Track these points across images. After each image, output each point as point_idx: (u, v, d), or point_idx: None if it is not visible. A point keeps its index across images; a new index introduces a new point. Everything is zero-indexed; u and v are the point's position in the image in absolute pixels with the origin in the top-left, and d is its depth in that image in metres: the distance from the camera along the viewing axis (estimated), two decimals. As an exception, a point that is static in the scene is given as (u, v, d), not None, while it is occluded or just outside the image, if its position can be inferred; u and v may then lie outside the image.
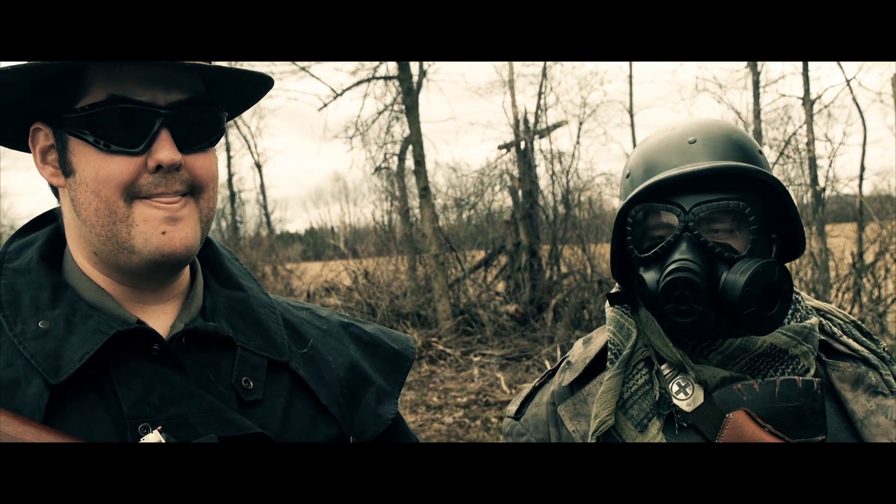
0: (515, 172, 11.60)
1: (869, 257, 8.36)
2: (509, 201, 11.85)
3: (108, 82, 0.89)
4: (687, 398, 1.18)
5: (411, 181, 12.16)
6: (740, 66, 10.24)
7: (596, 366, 1.28)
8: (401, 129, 12.01)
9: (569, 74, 15.44)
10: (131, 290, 0.97)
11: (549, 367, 1.39)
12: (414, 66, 11.17)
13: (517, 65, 11.95)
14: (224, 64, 0.98)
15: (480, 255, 12.25)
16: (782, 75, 12.00)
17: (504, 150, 12.01)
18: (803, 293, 1.29)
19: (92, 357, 0.88)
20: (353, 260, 12.92)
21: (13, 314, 0.91)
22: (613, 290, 1.32)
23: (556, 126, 11.77)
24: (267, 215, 18.27)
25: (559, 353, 8.23)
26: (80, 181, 0.91)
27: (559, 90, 22.83)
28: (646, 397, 1.19)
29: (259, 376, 1.00)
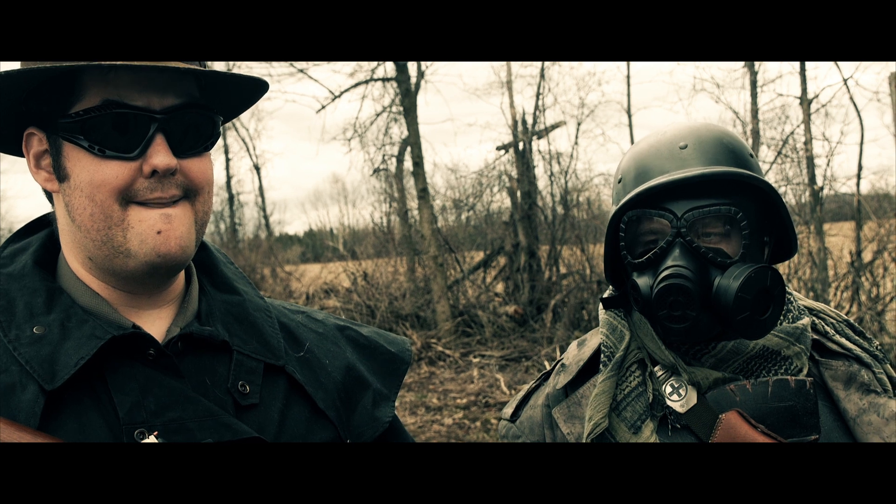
0: (514, 173, 11.60)
1: (867, 256, 8.36)
2: (508, 202, 11.85)
3: (103, 87, 0.89)
4: (680, 399, 1.18)
5: (410, 183, 12.17)
6: (738, 66, 10.25)
7: (590, 368, 1.29)
8: (399, 131, 12.02)
9: (567, 75, 15.49)
10: (126, 294, 0.97)
11: (548, 368, 1.40)
12: (412, 68, 11.17)
13: (515, 65, 11.96)
14: (220, 66, 0.98)
15: (479, 256, 12.25)
16: (780, 75, 12.06)
17: (502, 151, 12.02)
18: (795, 293, 1.29)
19: (87, 362, 0.88)
20: (352, 262, 12.91)
21: (7, 320, 0.91)
22: (607, 294, 1.33)
23: (554, 127, 11.77)
24: (265, 217, 18.27)
25: (558, 353, 8.23)
26: (75, 186, 0.91)
27: (557, 91, 22.80)
28: (639, 399, 1.20)
29: (255, 380, 0.99)
